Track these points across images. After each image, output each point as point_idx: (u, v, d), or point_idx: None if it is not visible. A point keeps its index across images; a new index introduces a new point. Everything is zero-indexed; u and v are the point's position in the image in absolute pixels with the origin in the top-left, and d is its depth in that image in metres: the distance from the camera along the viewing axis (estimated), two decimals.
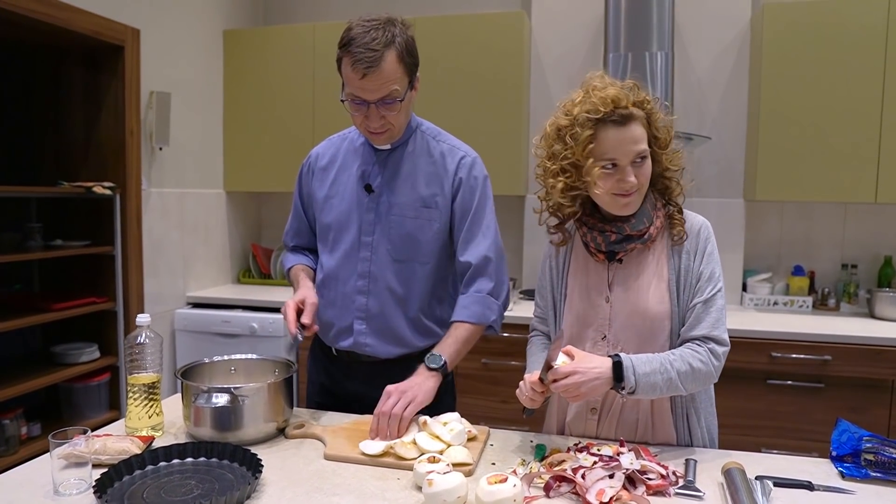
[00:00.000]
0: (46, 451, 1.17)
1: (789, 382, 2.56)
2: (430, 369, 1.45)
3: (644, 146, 1.27)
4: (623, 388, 1.23)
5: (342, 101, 1.48)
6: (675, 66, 3.00)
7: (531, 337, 1.58)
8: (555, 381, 1.21)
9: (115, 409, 2.80)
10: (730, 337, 1.33)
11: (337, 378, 1.67)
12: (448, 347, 1.49)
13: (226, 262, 3.54)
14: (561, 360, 1.23)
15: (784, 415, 2.59)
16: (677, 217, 1.35)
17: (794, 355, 2.54)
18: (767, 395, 2.59)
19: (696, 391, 1.33)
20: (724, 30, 3.04)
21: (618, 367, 1.22)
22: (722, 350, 1.29)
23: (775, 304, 3.01)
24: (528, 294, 3.20)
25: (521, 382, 1.30)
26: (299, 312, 1.47)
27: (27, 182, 2.83)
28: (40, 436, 2.55)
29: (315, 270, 1.69)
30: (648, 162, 1.28)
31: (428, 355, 1.47)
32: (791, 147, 2.77)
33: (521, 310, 2.91)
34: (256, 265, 3.58)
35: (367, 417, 1.42)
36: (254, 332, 3.00)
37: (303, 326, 1.45)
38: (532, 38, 3.24)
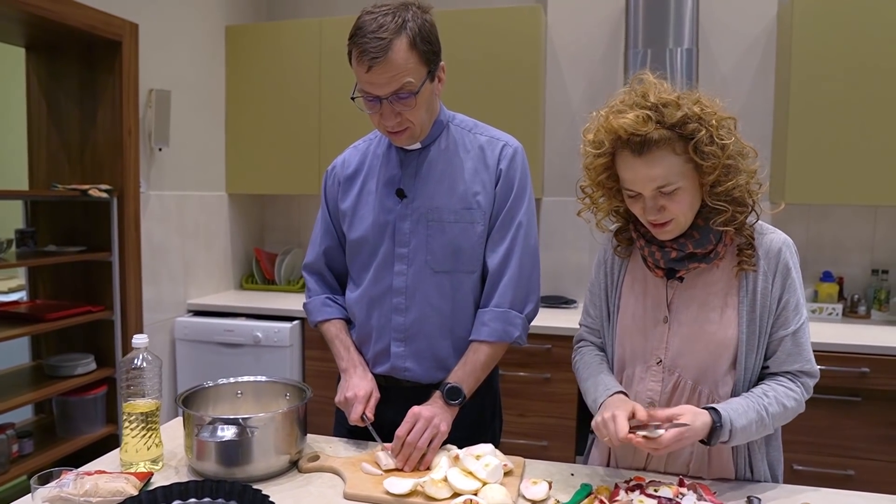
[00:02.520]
0: (39, 470, 1.04)
1: (825, 396, 2.42)
2: (449, 404, 1.32)
3: (667, 181, 1.10)
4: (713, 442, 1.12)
5: (352, 98, 1.32)
6: (699, 62, 2.86)
7: (579, 347, 1.42)
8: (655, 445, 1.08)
9: (112, 423, 2.66)
10: None
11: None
12: (468, 377, 1.35)
13: (228, 267, 3.40)
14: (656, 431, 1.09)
15: (818, 430, 2.45)
16: (747, 246, 1.18)
17: (829, 367, 2.40)
18: None
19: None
20: (749, 24, 2.91)
21: (716, 428, 1.10)
22: (813, 382, 1.22)
23: None
24: (546, 301, 3.06)
25: (605, 421, 1.12)
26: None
27: (20, 184, 2.70)
28: (32, 453, 2.41)
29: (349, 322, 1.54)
30: (683, 192, 1.11)
31: (447, 386, 1.33)
32: (822, 148, 2.63)
33: (538, 318, 2.73)
34: (260, 270, 3.44)
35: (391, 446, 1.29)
36: (258, 341, 2.86)
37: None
38: (548, 34, 3.11)
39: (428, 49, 1.29)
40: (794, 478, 2.48)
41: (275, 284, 3.40)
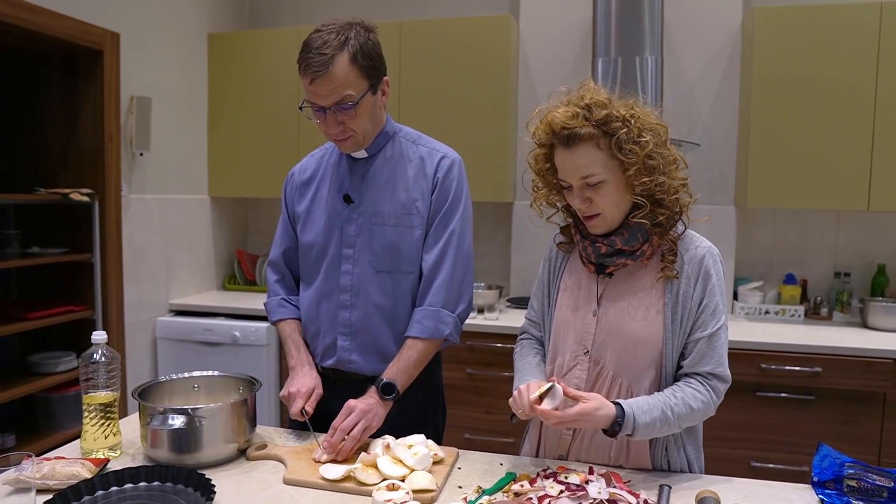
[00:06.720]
0: (20, 463, 1.12)
1: (779, 395, 2.51)
2: (383, 398, 1.41)
3: (592, 171, 1.21)
4: (616, 433, 1.20)
5: (300, 108, 1.43)
6: (665, 71, 2.95)
7: (520, 339, 1.51)
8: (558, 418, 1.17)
9: None
10: None
11: (323, 396, 1.59)
12: (401, 373, 1.44)
13: (210, 268, 3.49)
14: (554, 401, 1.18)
15: (774, 428, 2.53)
16: (669, 252, 1.26)
17: (784, 367, 2.49)
18: (757, 407, 2.54)
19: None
20: (714, 34, 2.99)
21: (619, 419, 1.18)
22: (724, 387, 1.27)
23: (766, 312, 2.96)
24: (516, 302, 3.15)
25: (517, 393, 1.23)
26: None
27: (4, 189, 2.79)
28: (14, 447, 2.50)
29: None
30: (608, 186, 1.22)
31: (382, 382, 1.42)
32: (783, 154, 2.72)
33: (507, 319, 2.85)
34: (241, 271, 3.53)
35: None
36: (235, 340, 2.95)
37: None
38: (520, 43, 3.19)
39: (369, 65, 1.39)
40: (751, 474, 2.55)
41: (255, 285, 3.49)
